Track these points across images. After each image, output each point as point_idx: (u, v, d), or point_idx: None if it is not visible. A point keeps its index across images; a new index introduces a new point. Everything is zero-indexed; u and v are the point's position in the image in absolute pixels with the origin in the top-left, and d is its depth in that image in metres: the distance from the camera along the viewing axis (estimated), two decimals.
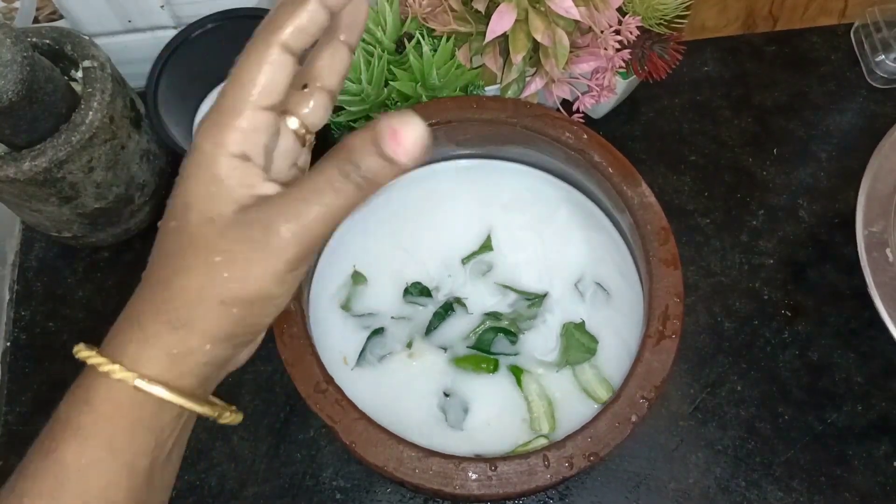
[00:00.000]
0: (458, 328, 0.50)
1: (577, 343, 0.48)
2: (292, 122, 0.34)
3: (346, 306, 0.50)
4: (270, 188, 0.31)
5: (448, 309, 0.50)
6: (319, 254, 0.52)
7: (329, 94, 0.35)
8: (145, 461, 0.31)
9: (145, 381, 0.30)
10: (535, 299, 0.50)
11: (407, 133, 0.27)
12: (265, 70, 0.29)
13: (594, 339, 0.49)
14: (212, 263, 0.30)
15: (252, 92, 0.29)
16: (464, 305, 0.50)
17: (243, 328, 0.32)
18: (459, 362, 0.49)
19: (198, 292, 0.30)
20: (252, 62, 0.30)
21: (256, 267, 0.30)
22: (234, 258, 0.30)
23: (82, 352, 0.32)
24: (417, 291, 0.50)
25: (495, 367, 0.48)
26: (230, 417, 0.34)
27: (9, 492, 0.30)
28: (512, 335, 0.49)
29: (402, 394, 0.48)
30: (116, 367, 0.30)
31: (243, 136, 0.30)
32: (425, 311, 0.50)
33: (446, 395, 0.48)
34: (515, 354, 0.49)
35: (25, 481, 0.30)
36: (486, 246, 0.52)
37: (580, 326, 0.49)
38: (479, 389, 0.48)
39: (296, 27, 0.29)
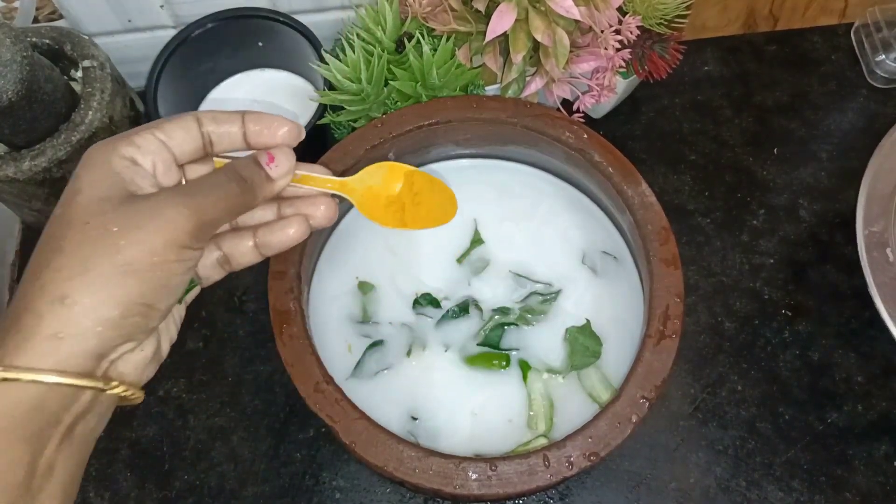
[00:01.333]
0: (466, 328, 0.50)
1: (582, 347, 0.48)
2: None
3: (364, 318, 0.50)
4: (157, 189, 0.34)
5: (464, 309, 0.50)
6: (318, 256, 0.52)
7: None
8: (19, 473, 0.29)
9: (11, 370, 0.29)
10: (550, 296, 0.50)
11: (280, 159, 0.37)
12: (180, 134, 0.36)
13: (599, 342, 0.49)
14: (107, 232, 0.31)
15: (156, 135, 0.35)
16: (479, 309, 0.50)
17: (137, 305, 0.32)
18: (471, 361, 0.49)
19: (82, 263, 0.31)
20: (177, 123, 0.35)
21: (156, 235, 0.32)
22: (135, 225, 0.31)
23: None
24: (427, 302, 0.50)
25: (507, 363, 0.48)
26: (125, 391, 0.33)
27: None
28: (523, 323, 0.49)
29: (418, 398, 0.48)
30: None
31: (136, 148, 0.34)
32: (430, 321, 0.50)
33: (414, 418, 0.47)
34: (522, 349, 0.49)
35: None
36: (477, 240, 0.52)
37: (584, 329, 0.49)
38: (485, 387, 0.48)
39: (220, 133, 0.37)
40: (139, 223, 0.31)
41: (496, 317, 0.50)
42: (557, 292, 0.51)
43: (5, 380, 0.29)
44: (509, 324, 0.49)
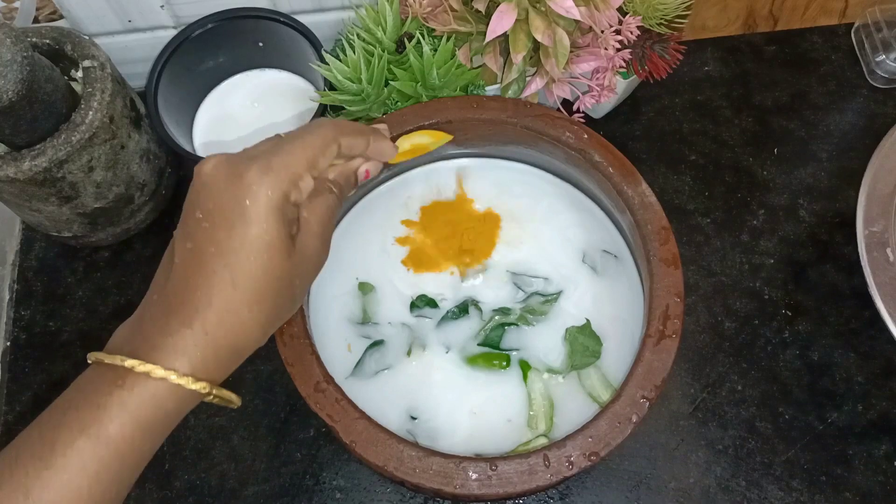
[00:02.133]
0: (466, 329, 0.50)
1: (582, 347, 0.48)
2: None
3: (364, 318, 0.50)
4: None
5: (464, 310, 0.50)
6: None
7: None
8: (149, 456, 0.34)
9: (184, 376, 0.33)
10: (551, 296, 0.50)
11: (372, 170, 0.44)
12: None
13: (599, 342, 0.49)
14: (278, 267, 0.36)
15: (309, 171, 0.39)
16: (479, 309, 0.50)
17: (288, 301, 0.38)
18: (472, 361, 0.49)
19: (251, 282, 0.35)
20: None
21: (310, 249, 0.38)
22: (300, 265, 0.38)
23: (108, 357, 0.33)
24: (424, 303, 0.50)
25: (508, 363, 0.48)
26: (231, 398, 0.37)
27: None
28: (524, 324, 0.49)
29: (416, 397, 0.48)
30: (155, 366, 0.33)
31: (299, 192, 0.38)
32: (431, 322, 0.50)
33: (413, 418, 0.48)
34: (522, 349, 0.49)
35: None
36: None
37: (584, 329, 0.49)
38: (485, 387, 0.48)
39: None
40: (302, 261, 0.37)
41: (496, 317, 0.50)
42: (559, 293, 0.51)
43: (149, 375, 0.33)
44: (510, 324, 0.49)
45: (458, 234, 0.52)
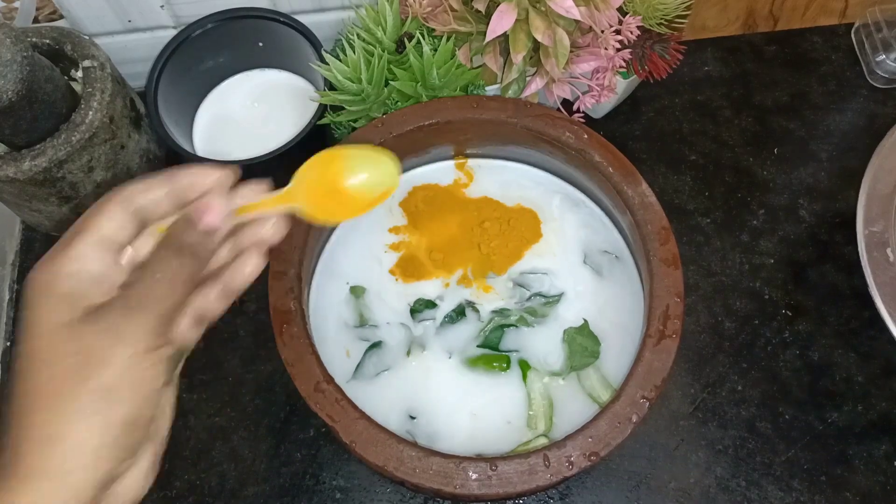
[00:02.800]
0: (464, 331, 0.50)
1: (580, 348, 0.48)
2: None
3: (361, 321, 0.50)
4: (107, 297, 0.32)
5: (460, 313, 0.50)
6: (318, 257, 0.52)
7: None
8: None
9: None
10: (553, 298, 0.50)
11: (213, 205, 0.34)
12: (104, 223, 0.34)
13: (597, 342, 0.49)
14: (72, 364, 0.30)
15: (89, 239, 0.33)
16: (476, 311, 0.50)
17: (125, 425, 0.31)
18: (472, 363, 0.48)
19: (57, 398, 0.30)
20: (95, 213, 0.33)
21: (120, 355, 0.30)
22: (97, 351, 0.30)
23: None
24: (423, 306, 0.50)
25: (508, 365, 0.48)
26: None
27: None
28: (523, 325, 0.49)
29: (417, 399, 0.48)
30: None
31: (75, 261, 0.32)
32: (431, 324, 0.50)
33: (412, 417, 0.47)
34: (521, 350, 0.49)
35: None
36: None
37: (582, 329, 0.49)
38: (484, 387, 0.48)
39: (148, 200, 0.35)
40: (100, 348, 0.30)
41: (495, 318, 0.50)
42: (560, 294, 0.50)
43: None
44: (509, 325, 0.49)
45: (468, 234, 0.51)
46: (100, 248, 0.33)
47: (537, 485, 0.40)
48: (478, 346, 0.49)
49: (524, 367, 0.48)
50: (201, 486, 0.54)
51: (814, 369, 0.57)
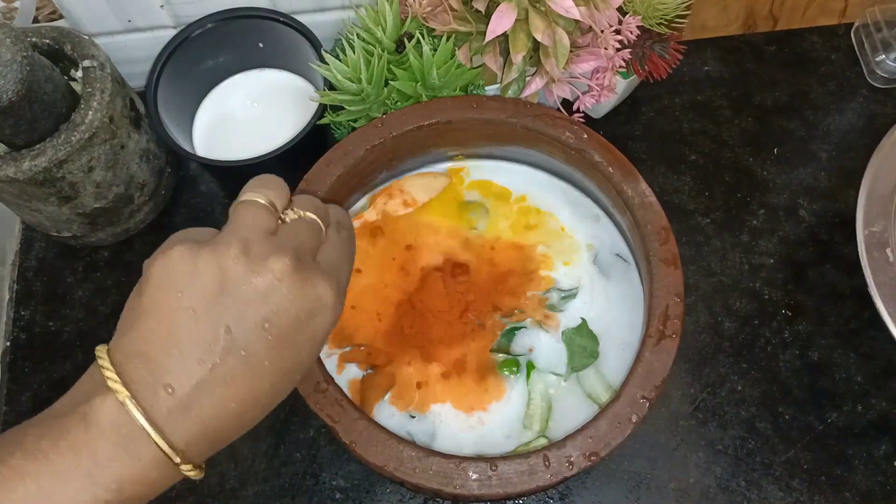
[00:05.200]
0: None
1: (580, 348, 0.48)
2: None
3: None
4: None
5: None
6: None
7: None
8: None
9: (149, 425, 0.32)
10: (570, 291, 0.50)
11: None
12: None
13: (596, 341, 0.48)
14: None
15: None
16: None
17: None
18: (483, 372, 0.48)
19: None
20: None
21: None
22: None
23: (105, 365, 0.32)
24: None
25: (518, 369, 0.48)
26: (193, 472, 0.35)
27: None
28: (535, 326, 0.49)
29: None
30: (127, 397, 0.31)
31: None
32: None
33: (412, 416, 0.47)
34: (533, 351, 0.49)
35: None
36: None
37: (580, 329, 0.49)
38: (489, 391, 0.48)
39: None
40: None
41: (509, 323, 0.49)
42: (577, 288, 0.50)
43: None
44: (520, 327, 0.49)
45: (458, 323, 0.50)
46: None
47: (537, 485, 0.40)
48: (490, 351, 0.48)
49: (529, 366, 0.48)
50: (201, 485, 0.54)
51: (814, 369, 0.57)
